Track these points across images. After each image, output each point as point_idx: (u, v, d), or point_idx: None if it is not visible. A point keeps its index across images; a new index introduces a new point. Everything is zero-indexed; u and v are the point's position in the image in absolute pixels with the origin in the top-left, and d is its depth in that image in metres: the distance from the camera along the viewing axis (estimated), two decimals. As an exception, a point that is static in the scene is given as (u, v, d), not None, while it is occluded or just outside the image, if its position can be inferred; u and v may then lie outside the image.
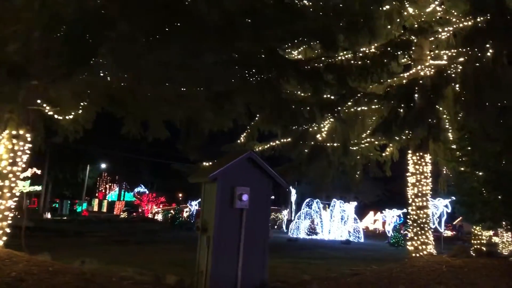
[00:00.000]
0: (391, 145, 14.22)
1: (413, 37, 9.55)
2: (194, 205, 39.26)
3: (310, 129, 11.63)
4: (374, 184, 40.30)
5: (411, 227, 12.72)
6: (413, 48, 12.40)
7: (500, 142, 11.94)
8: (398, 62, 9.72)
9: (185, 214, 40.30)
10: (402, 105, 9.40)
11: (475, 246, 16.23)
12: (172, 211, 40.66)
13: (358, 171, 15.65)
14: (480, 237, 16.45)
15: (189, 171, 12.34)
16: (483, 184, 12.21)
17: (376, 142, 13.80)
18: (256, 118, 13.65)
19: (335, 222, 32.71)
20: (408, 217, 12.87)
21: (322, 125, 11.89)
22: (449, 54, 12.36)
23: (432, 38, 12.68)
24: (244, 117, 11.01)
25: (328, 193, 43.44)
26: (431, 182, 12.79)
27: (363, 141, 13.29)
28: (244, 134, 14.36)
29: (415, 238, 12.43)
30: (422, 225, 12.37)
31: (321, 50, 8.83)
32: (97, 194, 75.08)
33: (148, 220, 44.09)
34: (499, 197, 12.22)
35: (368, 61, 8.47)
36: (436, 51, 12.99)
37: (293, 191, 40.97)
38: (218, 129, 11.24)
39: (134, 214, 48.72)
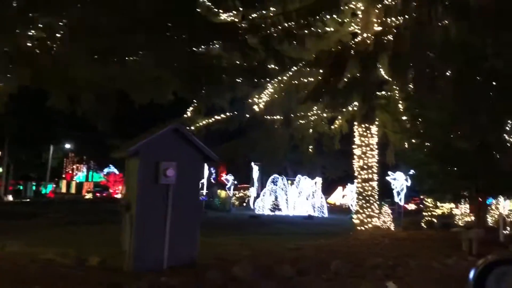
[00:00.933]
0: (339, 117, 13.93)
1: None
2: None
3: (250, 100, 11.16)
4: (340, 159, 40.34)
5: (357, 200, 12.53)
6: (360, 15, 12.00)
7: (446, 112, 11.75)
8: (325, 23, 9.24)
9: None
10: (335, 72, 8.99)
11: (427, 218, 16.32)
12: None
13: (310, 145, 15.34)
14: (431, 209, 16.51)
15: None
16: (428, 155, 12.06)
17: (325, 115, 13.46)
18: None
19: (300, 198, 32.69)
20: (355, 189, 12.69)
21: (261, 96, 11.41)
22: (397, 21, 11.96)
23: (380, 6, 12.25)
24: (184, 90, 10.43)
25: (294, 169, 43.50)
26: (378, 154, 12.58)
27: (310, 113, 12.89)
28: (191, 108, 13.81)
29: (361, 211, 12.25)
30: (367, 198, 12.18)
31: (245, 10, 8.26)
32: (63, 175, 73.31)
33: (114, 201, 43.13)
34: (448, 168, 12.11)
35: (293, 22, 7.94)
36: (383, 19, 12.56)
37: (255, 168, 40.65)
38: (157, 102, 10.65)
39: (97, 194, 47.77)
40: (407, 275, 7.56)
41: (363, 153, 12.38)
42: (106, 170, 71.21)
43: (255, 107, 11.53)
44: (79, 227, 17.18)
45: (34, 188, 59.14)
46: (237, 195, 48.15)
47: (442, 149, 11.69)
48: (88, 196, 47.96)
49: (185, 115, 13.91)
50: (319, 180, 38.57)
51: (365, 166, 12.33)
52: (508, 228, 18.68)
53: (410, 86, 12.58)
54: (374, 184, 12.37)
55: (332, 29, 10.95)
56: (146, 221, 7.85)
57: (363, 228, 12.10)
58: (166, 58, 7.01)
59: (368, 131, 12.34)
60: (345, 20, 10.42)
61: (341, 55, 9.19)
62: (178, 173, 8.11)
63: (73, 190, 69.32)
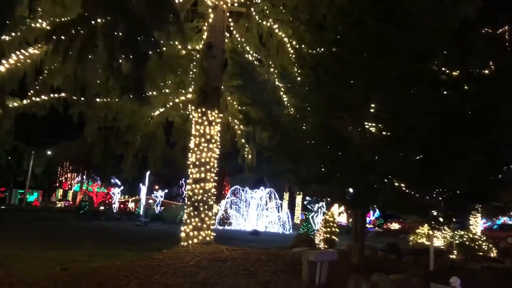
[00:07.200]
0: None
1: None
2: (117, 193, 36.57)
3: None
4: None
5: (185, 207, 9.58)
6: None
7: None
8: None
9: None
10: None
11: (324, 235, 13.10)
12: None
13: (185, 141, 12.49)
14: (331, 224, 13.26)
15: None
16: (274, 149, 9.05)
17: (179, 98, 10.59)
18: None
19: (252, 212, 29.56)
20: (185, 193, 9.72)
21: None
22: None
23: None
24: None
25: (274, 181, 40.33)
26: (218, 147, 9.63)
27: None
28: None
29: (188, 221, 9.27)
30: (196, 204, 9.19)
31: None
32: (56, 184, 72.38)
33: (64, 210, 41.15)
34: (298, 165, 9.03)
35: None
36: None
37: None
38: None
39: (65, 203, 46.14)
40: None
41: (196, 145, 9.44)
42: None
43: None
44: None
45: (19, 195, 57.99)
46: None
47: (292, 140, 8.69)
48: (60, 204, 46.25)
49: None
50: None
51: (198, 163, 9.37)
52: (455, 252, 15.36)
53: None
54: (209, 186, 9.34)
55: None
56: None
57: (186, 243, 9.10)
58: None
59: (204, 117, 9.42)
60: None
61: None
62: None
63: (70, 199, 68.08)
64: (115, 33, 5.61)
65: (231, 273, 7.75)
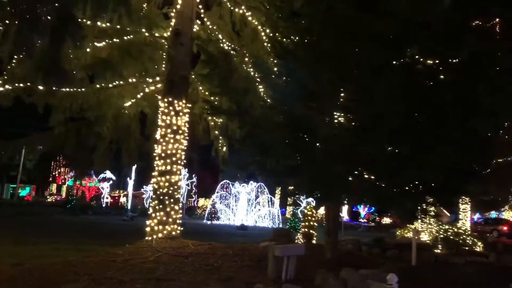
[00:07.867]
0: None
1: None
2: (106, 187, 36.18)
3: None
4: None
5: (151, 200, 9.25)
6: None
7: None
8: None
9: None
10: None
11: (304, 229, 12.79)
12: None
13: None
14: (310, 218, 12.92)
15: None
16: (242, 140, 8.69)
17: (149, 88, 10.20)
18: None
19: (242, 206, 29.24)
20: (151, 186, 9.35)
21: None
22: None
23: None
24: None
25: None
26: (187, 139, 9.27)
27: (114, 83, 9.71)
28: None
29: (153, 215, 8.94)
30: (162, 198, 8.85)
31: None
32: (50, 179, 71.83)
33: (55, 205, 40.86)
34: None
35: None
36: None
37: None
38: None
39: (56, 197, 45.83)
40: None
41: (162, 136, 9.09)
42: (102, 176, 69.75)
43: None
44: None
45: (11, 190, 57.48)
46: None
47: (262, 131, 8.33)
48: (50, 199, 45.94)
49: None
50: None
51: (164, 154, 9.02)
52: (440, 247, 15.14)
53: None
54: (175, 178, 9.00)
55: None
56: None
57: (150, 238, 8.77)
58: None
59: (171, 107, 9.06)
60: None
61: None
62: None
63: (63, 194, 67.50)
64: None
65: (193, 269, 7.43)
